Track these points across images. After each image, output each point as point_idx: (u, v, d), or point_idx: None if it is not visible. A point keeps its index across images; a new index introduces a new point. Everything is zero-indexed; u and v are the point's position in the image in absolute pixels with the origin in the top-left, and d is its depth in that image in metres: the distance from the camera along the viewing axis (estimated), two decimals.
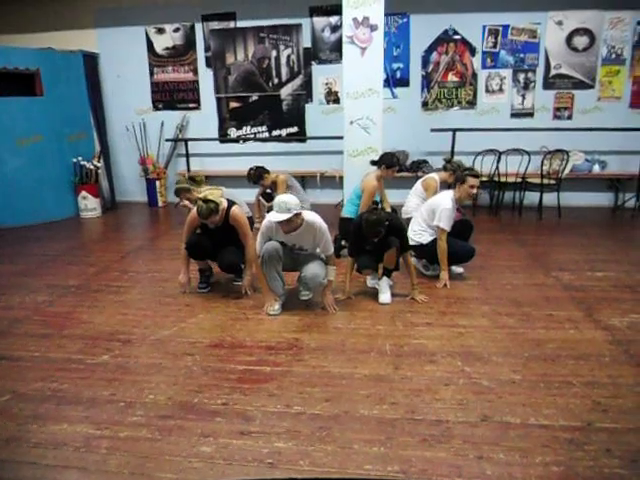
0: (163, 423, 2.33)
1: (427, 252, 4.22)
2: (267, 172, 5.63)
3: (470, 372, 2.73)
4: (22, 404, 2.51)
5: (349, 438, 2.21)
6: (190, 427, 2.30)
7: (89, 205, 7.06)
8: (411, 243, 4.12)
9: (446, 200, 4.04)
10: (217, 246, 3.89)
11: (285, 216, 3.22)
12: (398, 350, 3.00)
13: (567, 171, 6.50)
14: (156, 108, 7.80)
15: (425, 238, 4.18)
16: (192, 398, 2.53)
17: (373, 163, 4.71)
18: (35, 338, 3.27)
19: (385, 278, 3.79)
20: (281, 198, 3.28)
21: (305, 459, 2.07)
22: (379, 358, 2.91)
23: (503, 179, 6.63)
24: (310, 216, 3.45)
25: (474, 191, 4.02)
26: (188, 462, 2.07)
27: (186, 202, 4.91)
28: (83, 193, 6.99)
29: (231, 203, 3.82)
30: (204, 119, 7.70)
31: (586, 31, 6.72)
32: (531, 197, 6.79)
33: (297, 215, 3.30)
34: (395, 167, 4.62)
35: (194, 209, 3.77)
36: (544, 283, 4.10)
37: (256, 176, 5.58)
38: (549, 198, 6.56)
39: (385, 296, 3.73)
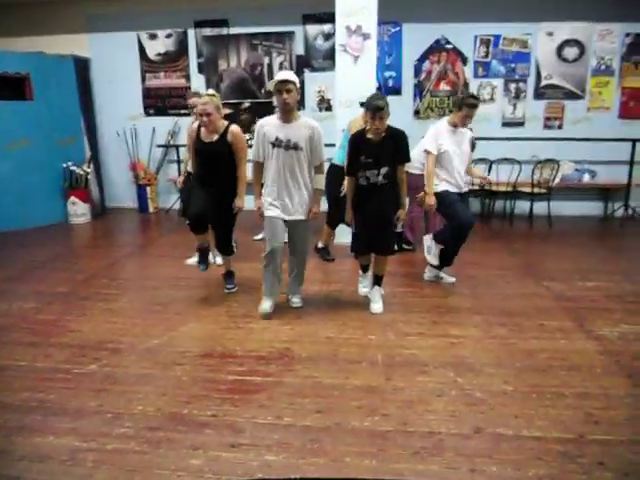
0: (152, 435, 2.29)
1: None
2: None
3: (462, 383, 2.72)
4: (7, 415, 2.46)
5: (340, 451, 2.18)
6: (179, 439, 2.26)
7: (78, 211, 6.99)
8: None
9: (438, 123, 4.15)
10: (214, 181, 3.78)
11: (289, 74, 3.29)
12: (390, 360, 2.98)
13: (557, 180, 6.55)
14: (147, 114, 7.76)
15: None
16: (181, 409, 2.50)
17: (361, 105, 4.55)
18: (22, 347, 3.21)
19: (377, 287, 3.77)
20: (282, 72, 3.39)
21: (296, 472, 2.04)
22: (371, 369, 2.89)
23: (494, 188, 6.65)
24: (308, 117, 3.53)
25: (468, 120, 3.99)
26: (177, 476, 2.03)
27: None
28: (72, 198, 6.92)
29: (232, 122, 3.83)
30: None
31: (576, 42, 6.79)
32: (522, 206, 6.83)
33: (297, 89, 3.30)
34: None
35: (194, 123, 3.85)
36: (535, 293, 4.10)
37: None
38: (540, 207, 6.61)
39: (377, 306, 3.71)
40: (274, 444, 2.22)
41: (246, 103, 7.52)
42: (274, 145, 3.35)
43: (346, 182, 3.72)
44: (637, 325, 3.45)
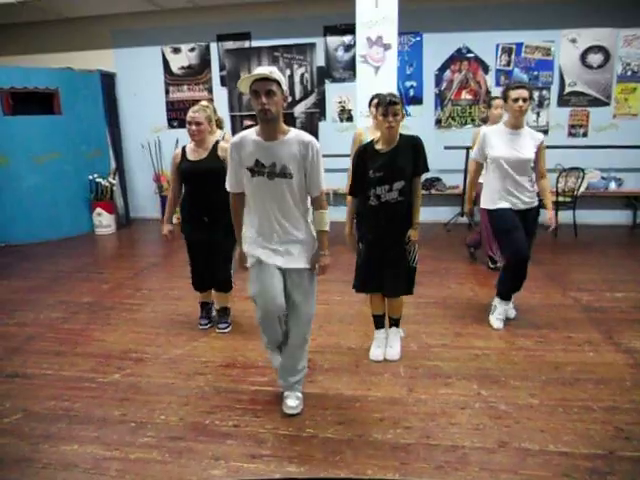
0: (174, 445, 2.31)
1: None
2: None
3: (486, 396, 2.67)
4: (34, 423, 2.51)
5: (362, 463, 2.16)
6: (201, 449, 2.27)
7: (104, 221, 7.13)
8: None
9: (491, 126, 3.71)
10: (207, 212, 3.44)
11: (268, 70, 2.26)
12: (412, 372, 2.95)
13: (583, 189, 6.43)
14: (171, 126, 7.89)
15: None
16: (203, 419, 2.51)
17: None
18: (48, 355, 3.27)
19: (394, 329, 3.22)
20: (261, 67, 2.36)
21: None
22: (393, 380, 2.86)
23: None
24: (301, 131, 2.45)
25: (520, 103, 3.30)
26: None
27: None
28: (98, 209, 7.07)
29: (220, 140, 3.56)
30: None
31: (600, 48, 6.69)
32: (546, 215, 6.69)
33: (282, 91, 2.29)
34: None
35: (178, 149, 3.58)
36: (562, 303, 4.02)
37: None
38: (565, 216, 6.48)
39: (393, 351, 3.14)
40: (296, 456, 2.21)
41: None
42: (253, 172, 2.35)
43: (348, 202, 3.13)
44: None
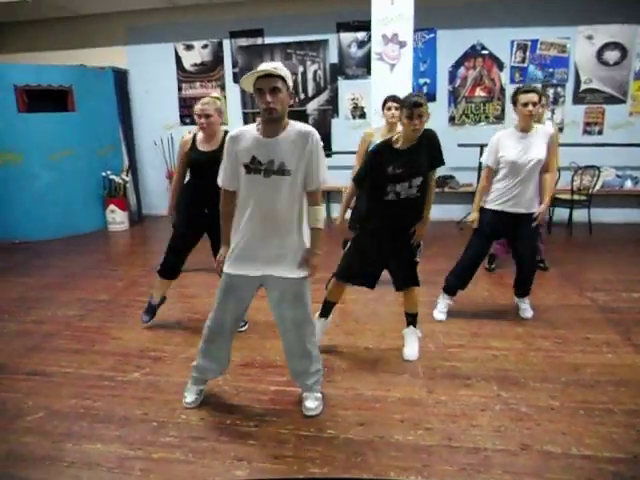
0: (196, 445, 2.32)
1: None
2: None
3: (507, 397, 2.66)
4: (56, 421, 2.53)
5: (385, 465, 2.17)
6: (224, 450, 2.28)
7: (117, 218, 7.17)
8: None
9: (502, 131, 3.60)
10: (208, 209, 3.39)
11: (272, 65, 2.17)
12: (431, 373, 2.95)
13: (598, 187, 6.37)
14: (183, 123, 7.89)
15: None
16: (224, 419, 2.52)
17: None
18: (67, 353, 3.30)
19: (412, 328, 3.22)
20: (265, 63, 2.28)
21: None
22: (412, 381, 2.86)
23: None
24: (300, 123, 2.34)
25: (529, 108, 3.29)
26: None
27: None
28: (111, 206, 7.10)
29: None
30: None
31: (617, 45, 6.61)
32: (560, 213, 6.66)
33: (287, 87, 2.20)
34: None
35: (189, 133, 3.55)
36: (578, 304, 3.99)
37: None
38: (579, 214, 6.43)
39: (410, 351, 3.15)
40: (318, 457, 2.22)
41: None
42: (249, 169, 2.26)
43: (348, 189, 3.14)
44: None
